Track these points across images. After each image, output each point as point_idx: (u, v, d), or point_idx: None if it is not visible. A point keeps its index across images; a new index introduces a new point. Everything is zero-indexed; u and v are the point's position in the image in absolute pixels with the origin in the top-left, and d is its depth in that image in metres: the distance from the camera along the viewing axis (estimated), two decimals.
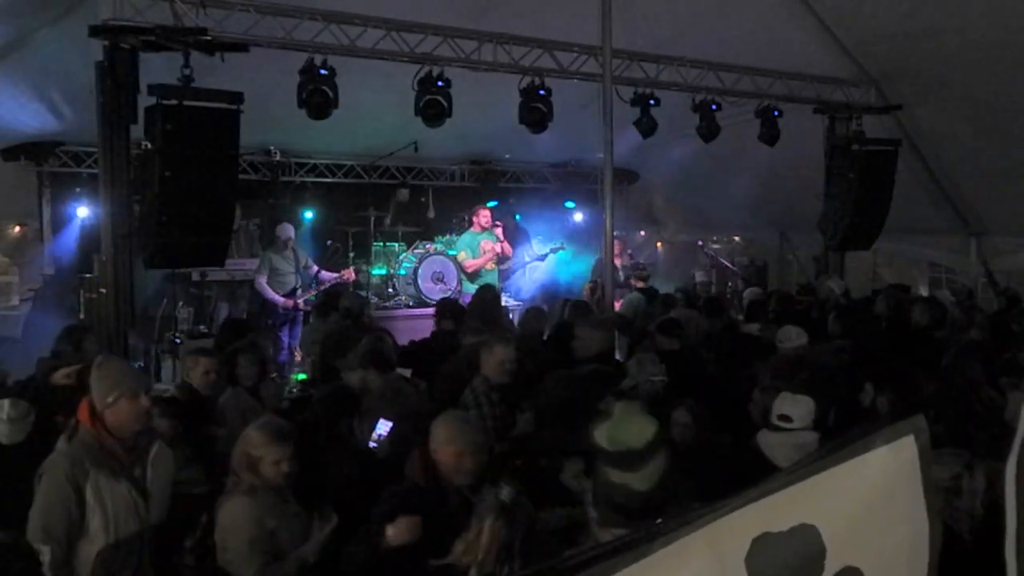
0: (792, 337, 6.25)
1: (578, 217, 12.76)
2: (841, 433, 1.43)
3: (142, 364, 8.23)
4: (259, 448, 3.40)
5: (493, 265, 10.40)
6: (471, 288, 10.13)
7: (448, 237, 11.08)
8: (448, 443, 3.46)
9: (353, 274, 10.18)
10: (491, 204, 11.52)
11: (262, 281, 9.41)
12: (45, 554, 3.20)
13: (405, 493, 3.43)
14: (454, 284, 10.56)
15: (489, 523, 2.70)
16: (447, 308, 7.39)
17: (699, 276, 12.70)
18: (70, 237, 9.64)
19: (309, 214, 10.96)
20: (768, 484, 1.32)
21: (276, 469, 3.39)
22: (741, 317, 8.71)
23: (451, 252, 10.87)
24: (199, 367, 4.99)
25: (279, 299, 9.44)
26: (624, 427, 2.22)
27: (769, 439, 4.15)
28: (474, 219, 10.48)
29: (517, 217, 12.19)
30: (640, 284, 10.16)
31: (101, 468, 3.33)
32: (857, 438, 1.35)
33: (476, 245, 10.33)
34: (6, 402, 4.24)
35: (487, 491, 2.81)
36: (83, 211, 9.51)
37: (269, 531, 3.32)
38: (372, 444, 4.38)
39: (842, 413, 4.82)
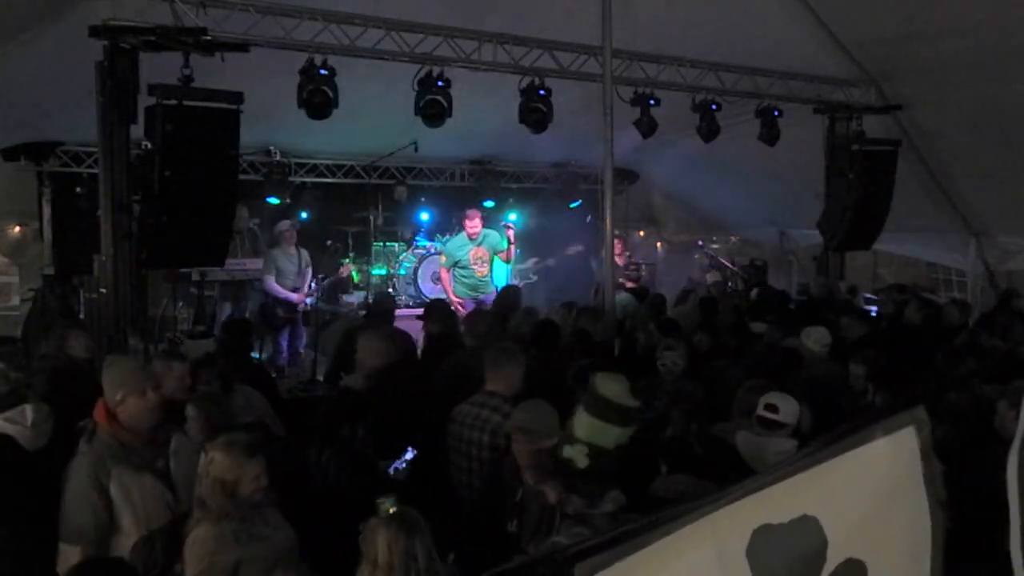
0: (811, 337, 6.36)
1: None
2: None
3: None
4: (232, 470, 3.17)
5: (485, 271, 10.15)
6: (465, 290, 9.98)
7: (447, 237, 11.00)
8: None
9: (348, 269, 10.22)
10: (488, 204, 11.48)
11: (270, 281, 9.39)
12: (73, 555, 3.23)
13: None
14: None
15: (383, 536, 2.73)
16: (433, 311, 7.16)
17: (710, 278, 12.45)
18: (70, 237, 9.63)
19: (308, 214, 10.95)
20: (767, 476, 1.32)
21: (255, 485, 3.21)
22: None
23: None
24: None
25: (293, 296, 9.46)
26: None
27: (747, 440, 4.16)
28: (464, 223, 10.12)
29: (514, 219, 11.56)
30: (630, 284, 10.13)
31: (123, 464, 3.38)
32: (856, 430, 1.34)
33: (466, 254, 9.98)
34: (28, 407, 4.20)
35: (378, 507, 2.84)
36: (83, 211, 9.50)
37: (233, 562, 3.11)
38: (398, 465, 4.23)
39: (835, 415, 4.85)
